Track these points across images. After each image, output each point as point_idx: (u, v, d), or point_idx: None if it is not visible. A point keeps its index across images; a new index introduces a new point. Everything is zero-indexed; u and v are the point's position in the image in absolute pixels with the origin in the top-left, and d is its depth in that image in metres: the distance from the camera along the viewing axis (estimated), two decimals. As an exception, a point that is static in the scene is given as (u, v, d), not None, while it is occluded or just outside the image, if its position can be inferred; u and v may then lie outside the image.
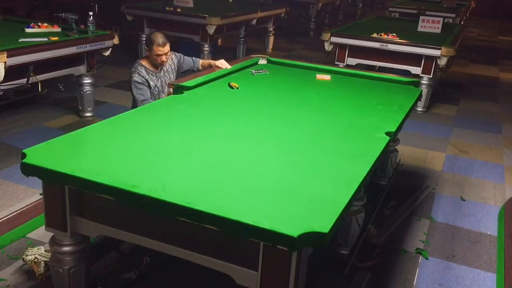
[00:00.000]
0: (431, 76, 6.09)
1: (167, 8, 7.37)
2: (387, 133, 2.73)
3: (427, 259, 3.27)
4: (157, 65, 3.96)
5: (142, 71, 3.90)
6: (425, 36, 6.71)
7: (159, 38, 3.82)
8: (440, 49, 5.85)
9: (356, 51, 6.28)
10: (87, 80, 5.11)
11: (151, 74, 3.94)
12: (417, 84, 4.01)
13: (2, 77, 3.93)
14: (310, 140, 2.65)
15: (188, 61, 4.21)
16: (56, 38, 4.60)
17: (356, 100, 3.49)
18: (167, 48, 3.87)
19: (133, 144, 2.40)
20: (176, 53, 4.16)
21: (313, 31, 11.21)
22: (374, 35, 6.27)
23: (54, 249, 2.31)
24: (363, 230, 3.23)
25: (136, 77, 3.87)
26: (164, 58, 3.87)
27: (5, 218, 3.20)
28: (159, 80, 3.97)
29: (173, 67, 4.10)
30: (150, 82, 3.91)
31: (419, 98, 3.72)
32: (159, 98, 3.88)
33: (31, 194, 3.66)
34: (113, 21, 8.89)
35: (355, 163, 2.34)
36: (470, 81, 8.37)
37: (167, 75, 4.03)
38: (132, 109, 3.86)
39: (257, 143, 2.57)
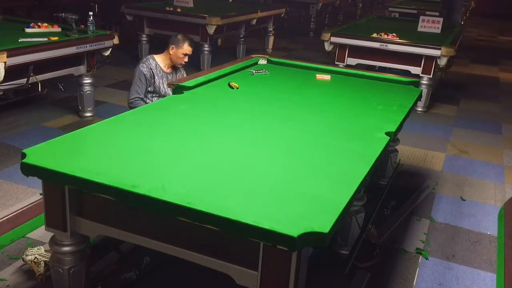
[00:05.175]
0: (431, 76, 6.09)
1: (167, 8, 7.37)
2: (387, 133, 2.73)
3: (427, 259, 3.28)
4: (175, 65, 4.08)
5: (152, 63, 3.97)
6: (425, 36, 6.71)
7: (190, 38, 4.03)
8: (440, 49, 5.85)
9: (356, 51, 6.28)
10: (87, 80, 5.11)
11: (159, 70, 4.01)
12: (417, 84, 4.01)
13: (2, 77, 3.93)
14: (310, 140, 2.65)
15: None
16: (56, 38, 4.60)
17: (356, 100, 3.49)
18: (192, 50, 4.08)
19: (133, 144, 2.40)
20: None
21: (313, 31, 11.21)
22: (374, 35, 6.27)
23: (54, 249, 2.31)
24: (363, 230, 3.23)
25: (143, 68, 3.94)
26: (187, 59, 4.05)
27: (5, 218, 3.20)
28: (163, 80, 4.00)
29: (178, 76, 4.18)
30: (156, 78, 3.96)
31: (419, 98, 3.72)
32: (156, 99, 3.90)
33: (31, 194, 3.66)
34: (113, 21, 8.89)
35: (355, 163, 2.34)
36: (470, 81, 8.37)
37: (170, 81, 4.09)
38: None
39: (256, 143, 2.57)
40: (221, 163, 2.26)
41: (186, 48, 3.97)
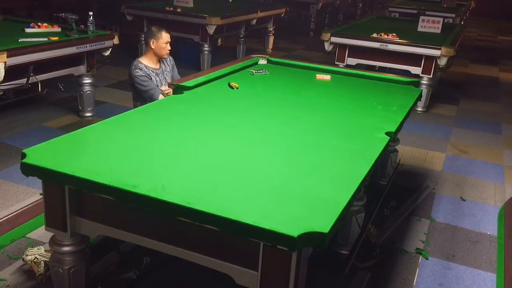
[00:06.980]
0: (431, 76, 6.09)
1: (167, 8, 7.37)
2: (387, 133, 2.73)
3: (427, 259, 3.28)
4: (161, 57, 4.09)
5: (142, 67, 4.01)
6: (425, 36, 6.71)
7: (162, 27, 4.04)
8: (440, 49, 5.85)
9: (356, 51, 6.28)
10: (87, 80, 5.11)
11: (151, 70, 4.06)
12: (417, 84, 4.01)
13: (2, 77, 3.93)
14: (310, 140, 2.65)
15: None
16: (56, 38, 4.59)
17: (356, 100, 3.49)
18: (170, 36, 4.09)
19: (133, 144, 2.40)
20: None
21: (313, 31, 11.21)
22: (374, 35, 6.27)
23: (54, 249, 2.31)
24: (363, 230, 3.23)
25: (138, 72, 3.98)
26: (169, 46, 4.06)
27: (5, 218, 3.20)
28: (158, 77, 4.05)
29: (169, 68, 4.22)
30: (152, 77, 4.02)
31: (419, 98, 3.72)
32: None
33: (31, 194, 3.66)
34: (113, 21, 8.89)
35: (355, 163, 2.34)
36: (470, 81, 8.37)
37: (165, 74, 4.14)
38: (134, 107, 3.96)
39: (257, 143, 2.57)
40: (221, 163, 2.26)
41: (165, 36, 4.01)
